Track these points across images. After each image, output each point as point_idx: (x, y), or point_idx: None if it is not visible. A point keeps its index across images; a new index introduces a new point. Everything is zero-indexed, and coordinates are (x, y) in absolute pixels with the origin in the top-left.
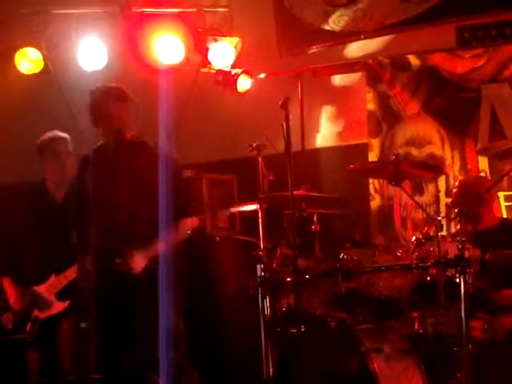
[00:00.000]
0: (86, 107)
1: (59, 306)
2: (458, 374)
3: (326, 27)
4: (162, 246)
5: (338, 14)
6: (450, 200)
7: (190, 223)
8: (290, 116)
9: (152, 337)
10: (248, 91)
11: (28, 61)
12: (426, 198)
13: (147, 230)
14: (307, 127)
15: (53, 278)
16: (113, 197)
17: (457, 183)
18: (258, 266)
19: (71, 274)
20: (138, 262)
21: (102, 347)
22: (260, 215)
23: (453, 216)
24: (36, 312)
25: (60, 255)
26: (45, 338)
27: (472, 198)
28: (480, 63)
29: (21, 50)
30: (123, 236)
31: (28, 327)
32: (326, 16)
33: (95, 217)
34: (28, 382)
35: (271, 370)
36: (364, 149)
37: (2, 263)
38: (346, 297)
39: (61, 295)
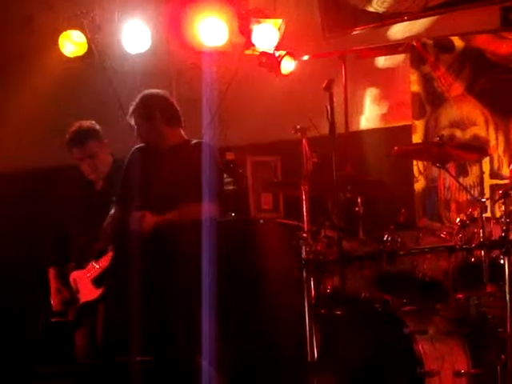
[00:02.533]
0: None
1: (96, 292)
2: (503, 356)
3: (370, 9)
4: (173, 215)
5: None
6: (494, 182)
7: (208, 210)
8: (334, 98)
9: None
10: (291, 73)
11: (72, 43)
12: (470, 180)
13: None
14: (351, 109)
15: (92, 263)
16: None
17: None
18: (303, 248)
19: (107, 260)
20: (148, 222)
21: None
22: (304, 197)
23: (497, 197)
24: (75, 298)
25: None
26: (84, 322)
27: None
28: None
29: (65, 33)
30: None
31: (69, 312)
32: None
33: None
34: (75, 363)
35: (315, 353)
36: (408, 131)
37: (50, 252)
38: (390, 279)
39: (97, 281)
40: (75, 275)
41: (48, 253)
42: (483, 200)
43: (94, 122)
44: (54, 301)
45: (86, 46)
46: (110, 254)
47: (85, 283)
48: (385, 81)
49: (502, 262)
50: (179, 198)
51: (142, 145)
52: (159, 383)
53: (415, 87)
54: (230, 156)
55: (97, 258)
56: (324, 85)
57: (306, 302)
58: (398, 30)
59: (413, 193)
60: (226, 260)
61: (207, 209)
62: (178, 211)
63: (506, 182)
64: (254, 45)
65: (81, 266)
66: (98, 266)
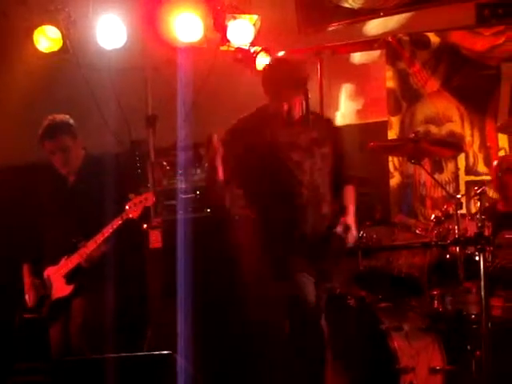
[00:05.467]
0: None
1: (67, 289)
2: (478, 352)
3: (345, 5)
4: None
5: None
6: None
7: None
8: (310, 94)
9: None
10: None
11: (47, 39)
12: (445, 176)
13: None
14: (327, 105)
15: (63, 260)
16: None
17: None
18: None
19: (78, 257)
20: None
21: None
22: None
23: (472, 194)
24: (49, 293)
25: (71, 238)
26: (58, 318)
27: None
28: (500, 41)
29: (39, 28)
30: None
31: (43, 308)
32: None
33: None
34: (50, 359)
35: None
36: (383, 127)
37: (23, 249)
38: (366, 275)
39: (69, 277)
40: (49, 271)
41: (22, 249)
42: (458, 196)
43: (67, 116)
44: (28, 296)
45: (61, 41)
46: (82, 250)
47: (57, 279)
48: (360, 77)
49: (477, 258)
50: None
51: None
52: (134, 380)
53: (391, 83)
54: (203, 151)
55: (69, 253)
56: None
57: None
58: (374, 26)
59: (388, 189)
60: (201, 256)
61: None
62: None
63: (483, 178)
64: (229, 41)
65: (54, 261)
66: (69, 262)
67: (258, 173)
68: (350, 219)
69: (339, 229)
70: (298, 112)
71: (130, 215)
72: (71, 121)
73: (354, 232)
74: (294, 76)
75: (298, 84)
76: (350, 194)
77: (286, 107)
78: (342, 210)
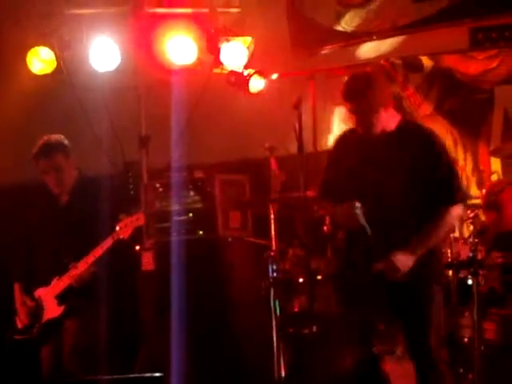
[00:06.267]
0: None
1: (58, 309)
2: (470, 375)
3: (339, 28)
4: (433, 240)
5: (350, 14)
6: None
7: (456, 212)
8: (303, 117)
9: None
10: (260, 92)
11: (40, 61)
12: None
13: (411, 219)
14: (320, 128)
15: (55, 280)
16: (382, 182)
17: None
18: (270, 267)
19: (69, 277)
20: (405, 262)
21: None
22: (272, 216)
23: (465, 219)
24: (40, 313)
25: (62, 259)
26: (49, 339)
27: None
28: (493, 65)
29: (33, 50)
30: (391, 223)
31: (34, 329)
32: (338, 17)
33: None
34: (41, 381)
35: (283, 372)
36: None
37: (14, 268)
38: None
39: (61, 298)
40: (40, 292)
41: (14, 268)
42: None
43: (62, 136)
44: (20, 314)
45: (55, 63)
46: (73, 271)
47: (48, 300)
48: None
49: (469, 282)
50: (414, 197)
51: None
52: None
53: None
54: (198, 174)
55: (60, 274)
56: (293, 103)
57: (274, 320)
58: (367, 50)
59: None
60: (194, 278)
61: (456, 212)
62: (433, 232)
63: (475, 202)
64: (222, 63)
65: (45, 282)
66: (61, 283)
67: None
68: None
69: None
70: None
71: (121, 235)
72: (66, 141)
73: None
74: None
75: None
76: None
77: None
78: None
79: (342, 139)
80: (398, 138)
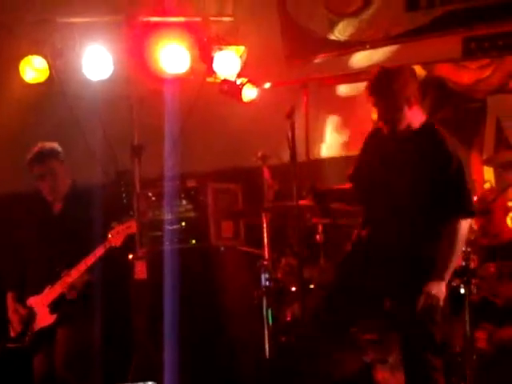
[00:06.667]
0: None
1: (51, 318)
2: None
3: (332, 37)
4: (455, 259)
5: (343, 23)
6: None
7: (467, 225)
8: (296, 126)
9: None
10: (253, 101)
11: (33, 69)
12: None
13: (418, 218)
14: (312, 137)
15: (47, 289)
16: (390, 181)
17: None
18: (263, 276)
19: (61, 286)
20: (441, 289)
21: None
22: (265, 225)
23: None
24: (32, 321)
25: (55, 267)
26: (41, 348)
27: None
28: (486, 74)
29: (26, 59)
30: (401, 221)
31: (26, 338)
32: (331, 26)
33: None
34: None
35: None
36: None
37: (7, 276)
38: None
39: (53, 306)
40: (32, 300)
41: (7, 276)
42: None
43: (56, 143)
44: (12, 322)
45: (48, 71)
46: (65, 279)
47: (41, 308)
48: (346, 109)
49: (462, 291)
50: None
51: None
52: None
53: (377, 116)
54: (190, 183)
55: (52, 282)
56: (286, 112)
57: (266, 329)
58: (360, 59)
59: None
60: (187, 287)
61: (465, 226)
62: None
63: None
64: (215, 72)
65: (37, 290)
66: (53, 291)
67: None
68: None
69: None
70: None
71: (113, 243)
72: (60, 148)
73: None
74: None
75: None
76: None
77: None
78: None
79: (370, 135)
80: (416, 138)
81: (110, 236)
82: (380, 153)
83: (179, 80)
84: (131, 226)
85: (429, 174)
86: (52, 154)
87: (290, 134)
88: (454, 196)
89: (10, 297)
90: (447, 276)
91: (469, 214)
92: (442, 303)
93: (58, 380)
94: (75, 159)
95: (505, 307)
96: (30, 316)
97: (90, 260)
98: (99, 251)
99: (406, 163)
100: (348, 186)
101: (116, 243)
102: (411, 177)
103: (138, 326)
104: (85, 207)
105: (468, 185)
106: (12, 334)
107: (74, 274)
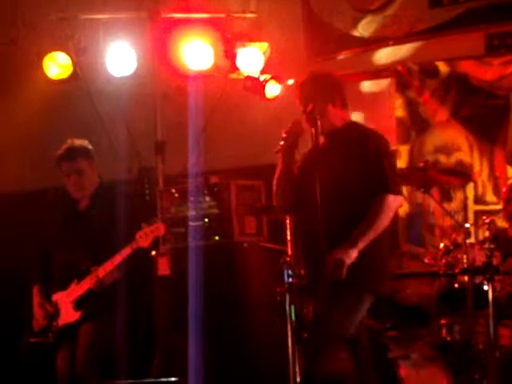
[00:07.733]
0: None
1: (75, 315)
2: (485, 382)
3: (355, 33)
4: (371, 230)
5: (366, 20)
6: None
7: (391, 202)
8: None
9: None
10: (277, 97)
11: (56, 66)
12: (454, 205)
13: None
14: None
15: (73, 285)
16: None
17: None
18: (286, 272)
19: (89, 282)
20: (348, 254)
21: None
22: (288, 221)
23: (481, 223)
24: (55, 320)
25: (80, 264)
26: (63, 344)
27: None
28: (509, 70)
29: (49, 55)
30: (330, 222)
31: (49, 334)
32: (355, 22)
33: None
34: None
35: (298, 378)
36: (392, 156)
37: (34, 270)
38: (373, 304)
39: (78, 303)
40: (57, 296)
41: (33, 271)
42: (467, 225)
43: (86, 141)
44: (37, 316)
45: (71, 68)
46: (93, 276)
47: (66, 304)
48: (370, 106)
49: (485, 287)
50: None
51: None
52: None
53: (400, 112)
54: (213, 179)
55: (79, 278)
56: (308, 109)
57: (289, 326)
58: (384, 55)
59: (397, 217)
60: (210, 283)
61: (393, 201)
62: (368, 222)
63: (491, 207)
64: (239, 68)
65: (63, 286)
66: (80, 288)
67: None
68: None
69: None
70: None
71: (141, 244)
72: (89, 146)
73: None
74: None
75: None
76: None
77: None
78: None
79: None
80: (340, 133)
81: (138, 237)
82: (311, 154)
83: (203, 76)
84: (159, 228)
85: (352, 159)
86: (81, 152)
87: (313, 130)
88: (377, 175)
89: (36, 290)
90: (361, 244)
91: (391, 191)
92: (346, 267)
93: (79, 376)
94: (98, 156)
95: None
96: (55, 312)
97: (117, 259)
98: (126, 251)
99: (334, 160)
100: None
101: (144, 245)
102: (339, 172)
103: (161, 322)
104: (110, 205)
105: (390, 166)
106: (35, 329)
107: (102, 272)
